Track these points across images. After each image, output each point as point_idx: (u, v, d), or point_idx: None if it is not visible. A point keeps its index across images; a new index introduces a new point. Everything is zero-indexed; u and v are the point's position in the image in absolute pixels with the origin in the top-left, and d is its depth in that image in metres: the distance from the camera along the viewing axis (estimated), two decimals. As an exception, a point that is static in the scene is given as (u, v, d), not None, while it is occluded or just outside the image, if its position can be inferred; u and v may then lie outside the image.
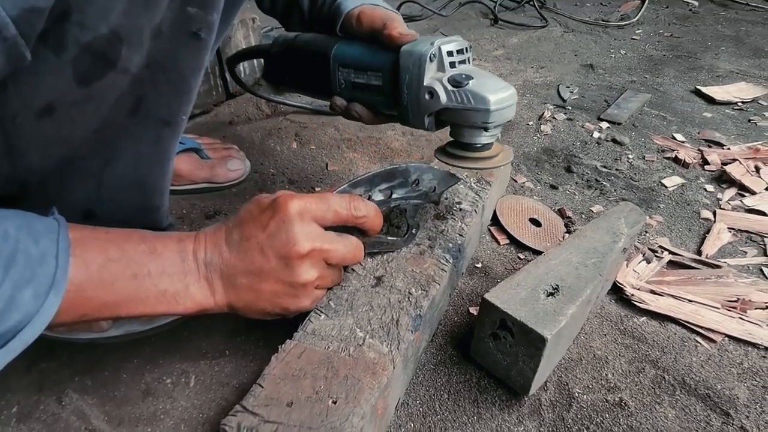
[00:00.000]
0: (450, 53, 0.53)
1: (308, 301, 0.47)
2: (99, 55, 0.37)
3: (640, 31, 1.67)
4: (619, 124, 1.08)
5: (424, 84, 0.53)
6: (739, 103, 1.17)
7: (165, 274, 0.41)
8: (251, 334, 0.58)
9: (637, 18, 1.73)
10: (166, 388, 0.52)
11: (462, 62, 0.55)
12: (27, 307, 0.33)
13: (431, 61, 0.52)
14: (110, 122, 0.42)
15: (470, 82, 0.52)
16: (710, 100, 1.19)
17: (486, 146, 0.56)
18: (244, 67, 1.16)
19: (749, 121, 1.09)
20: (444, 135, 0.59)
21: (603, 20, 1.74)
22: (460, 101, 0.52)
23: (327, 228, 0.47)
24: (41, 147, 0.40)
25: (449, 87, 0.52)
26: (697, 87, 1.23)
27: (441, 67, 0.53)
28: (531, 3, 1.84)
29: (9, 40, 0.30)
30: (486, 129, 0.53)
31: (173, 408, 0.50)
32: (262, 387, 0.43)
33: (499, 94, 0.51)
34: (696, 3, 1.90)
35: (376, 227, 0.52)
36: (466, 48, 0.55)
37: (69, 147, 0.42)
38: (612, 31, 1.67)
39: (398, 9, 1.70)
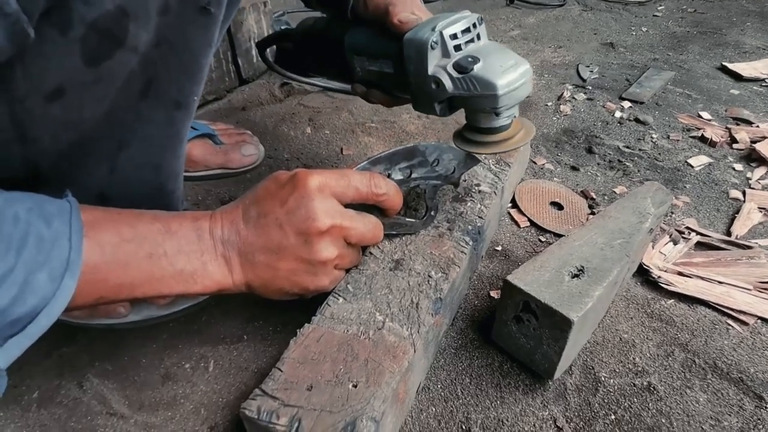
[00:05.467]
0: (454, 36, 0.49)
1: (327, 280, 0.46)
2: (106, 33, 0.36)
3: (662, 7, 1.61)
4: (642, 103, 1.05)
5: (429, 74, 0.50)
6: (767, 80, 1.12)
7: (181, 253, 0.41)
8: (269, 318, 0.57)
9: (658, -6, 1.67)
10: (185, 372, 0.52)
11: (470, 41, 0.51)
12: (43, 290, 0.33)
13: (433, 48, 0.49)
14: (121, 104, 0.41)
15: (476, 66, 0.48)
16: (737, 77, 1.14)
17: (503, 128, 0.53)
18: (255, 53, 1.15)
19: (779, 97, 1.05)
20: (461, 116, 0.57)
21: (623, -3, 1.68)
22: (467, 88, 0.49)
23: (346, 205, 0.46)
24: (52, 130, 0.39)
25: (455, 74, 0.49)
26: (723, 63, 1.19)
27: (445, 53, 0.50)
28: (547, -18, 1.79)
29: (11, 17, 0.29)
30: (497, 114, 0.50)
31: (192, 392, 0.50)
32: (282, 371, 0.42)
33: (508, 76, 0.48)
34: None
35: (396, 206, 0.51)
36: (475, 23, 0.51)
37: (80, 130, 0.41)
38: (632, 8, 1.62)
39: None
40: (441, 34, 0.49)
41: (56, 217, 0.34)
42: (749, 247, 0.67)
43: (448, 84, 0.49)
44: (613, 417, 0.48)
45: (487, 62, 0.48)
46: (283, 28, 1.28)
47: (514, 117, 0.53)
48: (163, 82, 0.42)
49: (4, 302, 0.31)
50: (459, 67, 0.48)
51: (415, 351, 0.45)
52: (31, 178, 0.43)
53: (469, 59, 0.48)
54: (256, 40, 1.12)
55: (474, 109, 0.52)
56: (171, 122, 0.46)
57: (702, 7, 1.60)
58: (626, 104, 1.04)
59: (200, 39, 0.42)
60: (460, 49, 0.50)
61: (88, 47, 0.36)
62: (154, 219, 0.41)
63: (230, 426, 0.47)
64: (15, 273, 0.31)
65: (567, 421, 0.47)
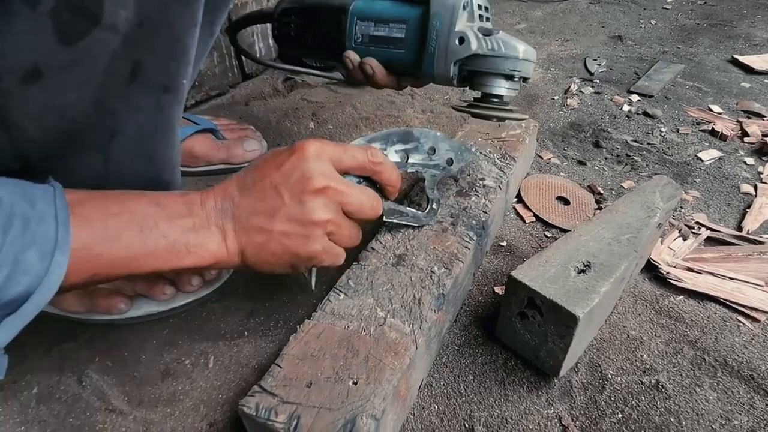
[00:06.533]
0: (480, 6, 0.55)
1: (319, 245, 0.44)
2: (78, 8, 0.34)
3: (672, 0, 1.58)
4: (651, 96, 1.03)
5: (456, 29, 0.53)
6: (780, 72, 1.10)
7: (173, 225, 0.40)
8: (270, 314, 0.57)
9: (668, -14, 1.64)
10: (185, 368, 0.51)
11: (487, 19, 0.57)
12: (34, 269, 0.32)
13: (464, 8, 0.54)
14: (108, 90, 0.40)
15: (498, 33, 0.53)
16: (748, 70, 1.12)
17: (507, 99, 0.57)
18: (260, 47, 1.14)
19: (792, 90, 1.03)
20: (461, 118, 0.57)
21: (631, -10, 1.66)
22: (491, 48, 0.53)
23: (344, 175, 0.45)
24: (35, 117, 0.39)
25: (480, 35, 0.53)
26: (734, 56, 1.16)
27: (471, 18, 0.55)
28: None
29: None
30: (512, 77, 0.55)
31: (192, 389, 0.49)
32: (281, 367, 0.42)
33: (525, 47, 0.54)
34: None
35: (394, 181, 0.50)
36: (488, 7, 0.57)
37: (67, 118, 0.40)
38: (641, 0, 1.59)
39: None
40: (471, 0, 0.54)
41: (40, 198, 0.34)
42: (761, 242, 0.65)
43: (473, 42, 0.53)
44: (620, 415, 0.47)
45: (504, 35, 0.54)
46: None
47: (516, 92, 0.57)
48: (150, 65, 0.41)
49: None
50: (484, 30, 0.53)
51: (416, 348, 0.44)
52: (22, 169, 0.42)
53: (492, 27, 0.54)
54: (260, 35, 1.11)
55: (490, 71, 0.55)
56: (161, 108, 0.45)
57: (712, -1, 1.58)
58: (635, 98, 1.03)
59: (183, 17, 0.41)
60: (483, 20, 0.56)
61: (61, 23, 0.35)
62: (141, 195, 0.40)
63: (230, 423, 0.46)
64: (3, 253, 0.30)
65: (573, 419, 0.46)
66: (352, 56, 0.59)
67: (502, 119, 0.58)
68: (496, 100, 0.56)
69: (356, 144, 0.50)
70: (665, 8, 1.52)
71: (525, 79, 0.56)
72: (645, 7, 1.53)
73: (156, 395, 0.49)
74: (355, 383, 0.40)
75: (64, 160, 0.43)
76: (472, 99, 0.59)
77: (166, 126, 0.47)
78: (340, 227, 0.45)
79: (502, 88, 0.55)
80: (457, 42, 0.54)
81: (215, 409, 0.47)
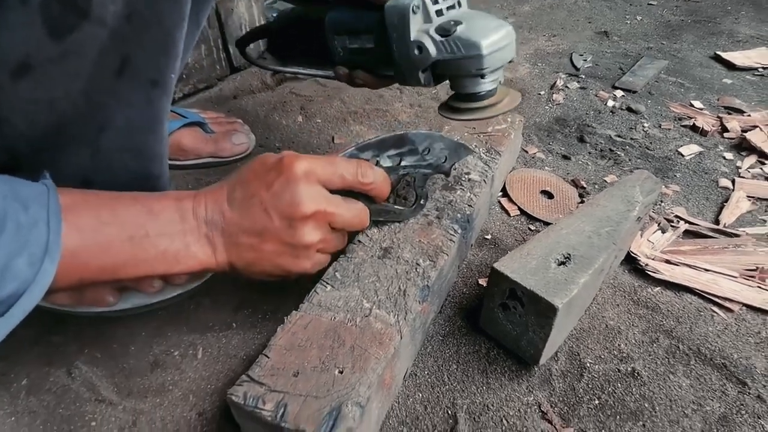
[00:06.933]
0: (435, 1, 0.50)
1: (309, 263, 0.46)
2: (67, 1, 0.35)
3: (658, -5, 1.60)
4: (635, 92, 1.04)
5: (411, 39, 0.50)
6: (760, 69, 1.12)
7: (164, 235, 0.41)
8: (258, 306, 0.58)
9: (654, -18, 1.65)
10: (174, 360, 0.52)
11: (451, 7, 0.51)
12: (23, 275, 0.33)
13: (415, 13, 0.49)
14: (97, 84, 0.41)
15: (458, 28, 0.48)
16: (730, 66, 1.14)
17: (489, 93, 0.52)
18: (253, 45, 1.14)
19: (771, 86, 1.05)
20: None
21: (618, -14, 1.67)
22: (450, 51, 0.49)
23: (333, 192, 0.46)
24: (24, 111, 0.39)
25: (437, 37, 0.49)
26: (717, 53, 1.19)
27: (427, 18, 0.50)
28: (543, -31, 1.77)
29: None
30: (483, 76, 0.50)
31: (181, 379, 0.50)
32: (268, 357, 0.43)
33: (491, 36, 0.48)
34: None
35: (383, 194, 0.51)
36: None
37: (56, 111, 0.40)
38: (628, -4, 1.61)
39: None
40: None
41: (33, 202, 0.34)
42: (737, 235, 0.67)
43: (431, 48, 0.49)
44: (597, 402, 0.48)
45: (469, 24, 0.48)
46: (273, 15, 1.27)
47: (500, 83, 0.52)
48: (138, 58, 0.42)
49: None
50: (441, 30, 0.48)
51: (401, 337, 0.45)
52: (11, 163, 0.43)
53: (452, 22, 0.48)
54: (247, 28, 1.11)
55: (459, 74, 0.51)
56: (149, 101, 0.45)
57: (697, -5, 1.60)
58: (619, 93, 1.04)
59: (172, 11, 0.41)
60: (442, 14, 0.50)
61: (50, 17, 0.35)
62: (135, 200, 0.41)
63: (218, 412, 0.47)
64: None
65: (552, 406, 0.48)
66: (341, 71, 0.60)
67: (481, 118, 0.54)
68: (473, 97, 0.52)
69: (348, 154, 0.51)
70: (651, 4, 1.54)
71: (509, 61, 0.51)
72: (631, 3, 1.55)
73: (145, 386, 0.49)
74: (341, 372, 0.42)
75: (53, 152, 0.44)
76: (449, 97, 0.56)
77: (154, 119, 0.47)
78: (328, 242, 0.47)
79: (475, 86, 0.51)
80: (416, 52, 0.50)
81: (204, 399, 0.48)
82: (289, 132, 0.93)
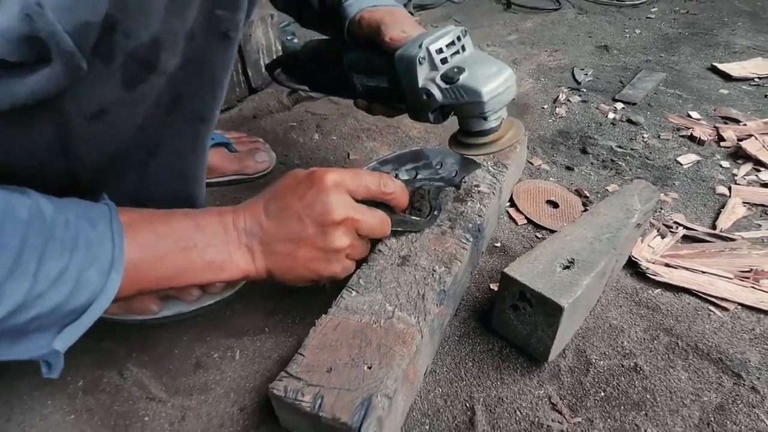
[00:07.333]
0: (439, 51, 0.54)
1: (339, 267, 0.51)
2: (142, 61, 0.40)
3: (656, 9, 1.66)
4: (635, 104, 1.09)
5: (419, 86, 0.54)
6: (756, 79, 1.17)
7: (210, 246, 0.45)
8: (287, 313, 0.63)
9: (652, -4, 1.72)
10: (214, 361, 0.57)
11: (455, 53, 0.55)
12: (93, 285, 0.38)
13: (421, 63, 0.53)
14: (151, 119, 0.46)
15: (461, 76, 0.52)
16: (727, 77, 1.19)
17: (492, 130, 0.57)
18: (265, 62, 1.20)
19: (766, 96, 1.10)
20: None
21: (617, 0, 1.73)
22: (455, 97, 0.53)
23: (358, 202, 0.51)
24: (93, 146, 0.45)
25: (443, 85, 0.53)
26: (714, 64, 1.23)
27: (433, 66, 0.54)
28: (544, -15, 1.84)
29: (68, 54, 0.34)
30: (485, 118, 0.55)
31: (222, 378, 0.55)
32: (303, 356, 0.48)
33: (491, 83, 0.52)
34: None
35: (402, 204, 0.56)
36: (459, 36, 0.56)
37: (117, 144, 0.46)
38: (626, 10, 1.67)
39: (411, -2, 1.73)
40: (427, 49, 0.53)
41: (99, 220, 0.40)
42: (732, 240, 0.71)
43: (437, 94, 0.54)
44: (602, 394, 0.53)
45: (471, 71, 0.53)
46: (288, 38, 1.34)
47: (503, 119, 0.57)
48: (188, 98, 0.47)
49: (62, 296, 0.36)
50: (446, 78, 0.53)
51: (422, 337, 0.50)
52: (71, 184, 0.48)
53: (455, 70, 0.53)
54: (265, 52, 1.18)
55: (464, 115, 0.56)
56: (196, 134, 0.51)
57: (694, 8, 1.65)
58: (619, 105, 1.09)
59: (221, 59, 0.47)
60: (447, 62, 0.54)
61: (128, 74, 0.41)
62: (185, 216, 0.46)
63: (257, 407, 0.52)
64: (69, 271, 0.36)
65: (561, 398, 0.52)
66: (361, 104, 0.66)
67: (487, 153, 0.58)
68: (478, 134, 0.57)
69: (371, 168, 0.56)
70: (649, 18, 1.59)
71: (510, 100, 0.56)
72: (630, 17, 1.61)
73: (190, 385, 0.54)
74: (369, 368, 0.46)
75: (107, 175, 0.49)
76: (457, 131, 0.60)
77: (198, 148, 0.53)
78: (355, 248, 0.52)
79: (479, 125, 0.56)
80: (424, 96, 0.55)
81: (244, 396, 0.53)
82: (307, 149, 0.99)
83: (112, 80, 0.40)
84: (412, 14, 1.71)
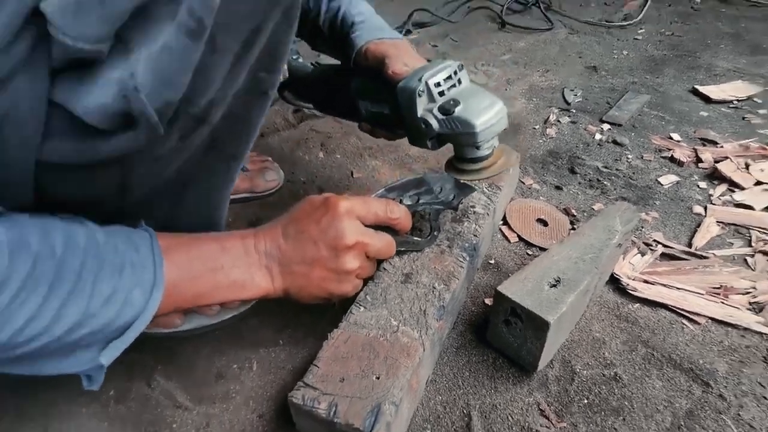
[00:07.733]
0: (437, 84, 0.59)
1: (350, 286, 0.56)
2: (198, 119, 0.46)
3: (643, 30, 1.73)
4: (620, 125, 1.16)
5: (418, 116, 0.60)
6: (735, 102, 1.24)
7: (234, 267, 0.51)
8: (300, 327, 0.68)
9: (639, 17, 1.79)
10: (234, 372, 0.62)
11: (452, 87, 0.61)
12: (138, 304, 0.43)
13: (420, 96, 0.59)
14: (190, 159, 0.52)
15: (457, 109, 0.58)
16: (707, 99, 1.26)
17: (485, 157, 0.63)
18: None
19: (743, 119, 1.17)
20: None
21: (606, 21, 1.80)
22: (450, 128, 0.59)
23: (367, 226, 0.57)
24: (144, 185, 0.50)
25: (440, 116, 0.59)
26: (695, 86, 1.30)
27: (431, 98, 0.60)
28: (537, 4, 1.91)
29: (153, 126, 0.40)
30: (478, 147, 0.61)
31: (242, 388, 0.60)
32: (318, 367, 0.53)
33: (484, 116, 0.58)
34: (698, 0, 1.96)
35: (406, 227, 0.62)
36: (456, 71, 0.62)
37: (161, 180, 0.52)
38: (615, 31, 1.74)
39: (410, 16, 1.79)
40: (426, 83, 0.60)
41: (142, 246, 0.45)
42: (706, 257, 0.78)
43: (435, 124, 0.60)
44: (585, 401, 0.59)
45: (466, 104, 0.59)
46: (294, 57, 1.40)
47: (494, 147, 0.63)
48: (226, 141, 0.53)
49: (111, 315, 0.42)
50: (443, 110, 0.59)
51: (424, 350, 0.56)
52: (114, 212, 0.54)
53: (451, 102, 0.59)
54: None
55: (459, 143, 0.62)
56: (228, 170, 0.57)
57: (679, 29, 1.72)
58: (606, 126, 1.16)
59: (258, 112, 0.53)
60: (444, 94, 0.61)
61: (185, 130, 0.47)
62: (213, 240, 0.52)
63: (275, 414, 0.58)
64: (118, 292, 0.42)
65: (548, 405, 0.58)
66: (365, 127, 0.73)
67: (480, 179, 0.65)
68: (472, 161, 0.63)
69: (379, 194, 0.62)
70: (636, 39, 1.67)
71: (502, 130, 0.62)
72: (618, 38, 1.68)
73: (213, 394, 0.60)
74: (378, 378, 0.52)
75: (146, 205, 0.55)
76: (453, 157, 0.66)
77: (228, 182, 0.58)
78: (364, 269, 0.57)
79: (472, 153, 0.62)
80: (423, 125, 0.60)
81: (262, 404, 0.59)
82: (312, 167, 1.04)
83: (173, 136, 0.46)
84: (410, 32, 1.78)
